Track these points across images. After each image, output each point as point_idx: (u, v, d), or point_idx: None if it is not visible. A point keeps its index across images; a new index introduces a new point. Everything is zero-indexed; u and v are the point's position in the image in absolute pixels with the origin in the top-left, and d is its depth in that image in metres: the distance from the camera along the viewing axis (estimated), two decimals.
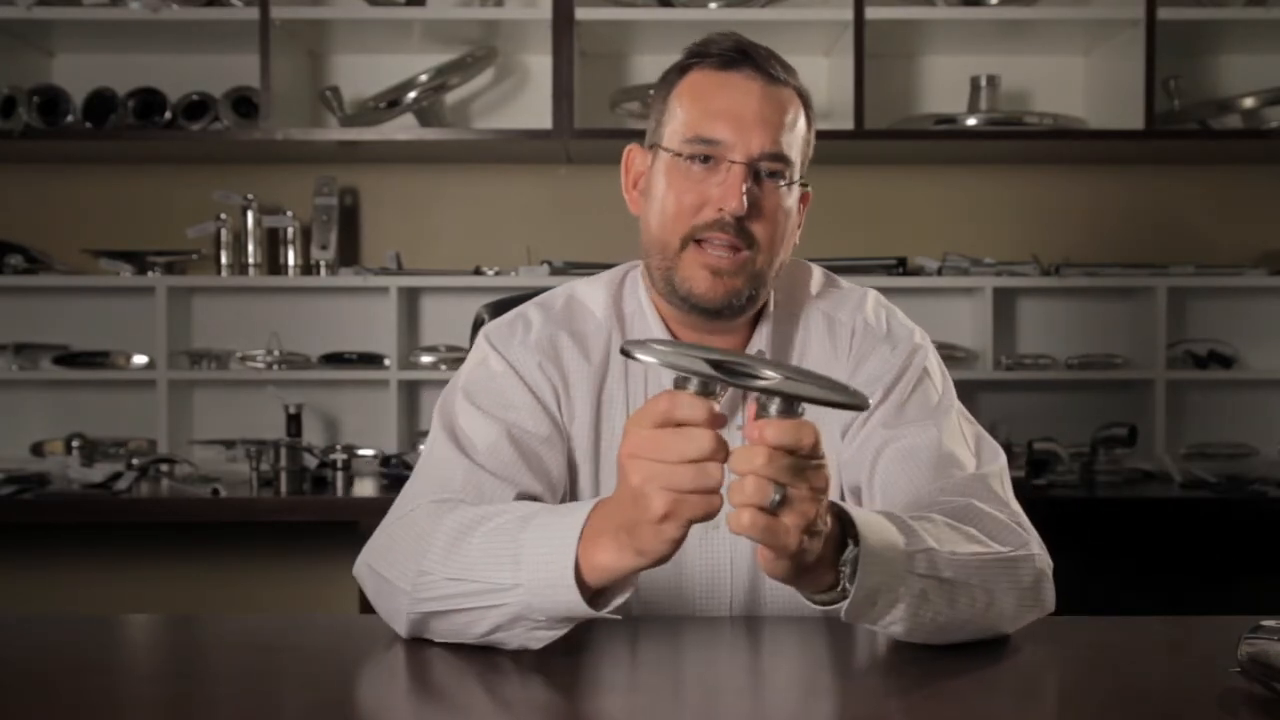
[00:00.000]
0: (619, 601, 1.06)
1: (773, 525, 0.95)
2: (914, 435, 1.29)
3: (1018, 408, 3.04)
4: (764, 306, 1.36)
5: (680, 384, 0.96)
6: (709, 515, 0.95)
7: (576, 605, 1.04)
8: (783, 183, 1.29)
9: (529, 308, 1.40)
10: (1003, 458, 1.31)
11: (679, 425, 0.94)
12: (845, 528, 1.05)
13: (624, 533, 0.99)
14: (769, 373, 0.94)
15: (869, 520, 1.06)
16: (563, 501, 1.33)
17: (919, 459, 1.27)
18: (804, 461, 0.94)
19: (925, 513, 1.15)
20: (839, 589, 1.05)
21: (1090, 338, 3.11)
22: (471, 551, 1.10)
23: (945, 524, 1.14)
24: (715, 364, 0.94)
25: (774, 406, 0.95)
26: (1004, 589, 1.13)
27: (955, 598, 1.10)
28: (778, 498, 0.94)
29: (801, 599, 1.32)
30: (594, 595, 1.05)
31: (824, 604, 1.06)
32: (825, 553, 1.02)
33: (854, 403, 0.96)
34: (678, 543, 0.98)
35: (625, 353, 0.96)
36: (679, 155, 1.28)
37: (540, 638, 1.10)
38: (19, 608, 2.97)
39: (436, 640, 1.15)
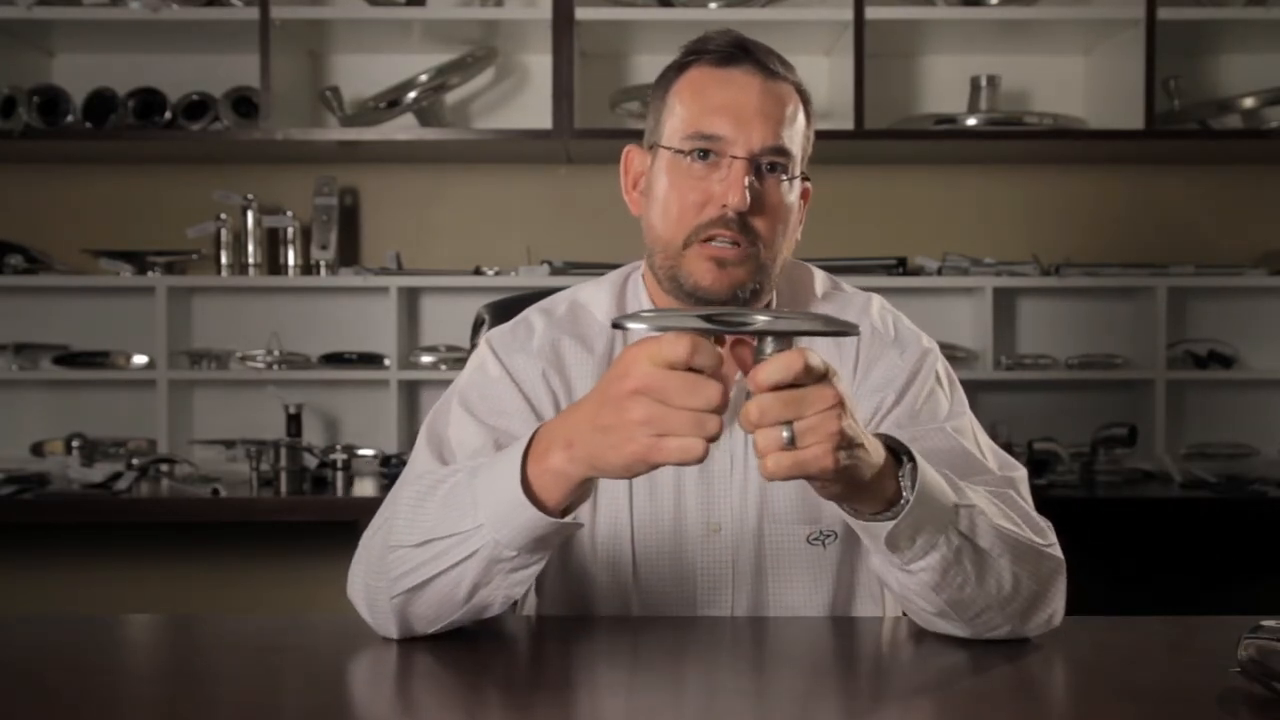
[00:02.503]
0: (578, 508, 1.09)
1: (798, 459, 0.97)
2: (932, 438, 1.28)
3: (1018, 408, 3.03)
4: (767, 306, 1.36)
5: None
6: (683, 463, 0.97)
7: (536, 520, 1.05)
8: (784, 177, 1.28)
9: (532, 312, 1.40)
10: (1022, 469, 1.31)
11: (690, 370, 0.96)
12: (898, 457, 1.07)
13: (581, 448, 1.02)
14: (759, 316, 0.97)
15: (921, 459, 1.07)
16: None
17: (939, 461, 1.26)
18: (802, 389, 0.96)
19: (969, 483, 1.16)
20: (901, 502, 1.06)
21: (1090, 338, 3.11)
22: (432, 513, 1.12)
23: (987, 496, 1.15)
24: (706, 317, 0.97)
25: (769, 349, 0.97)
26: (1027, 577, 1.14)
27: (985, 572, 1.11)
28: (787, 434, 0.96)
29: (804, 604, 1.33)
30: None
31: (880, 521, 1.07)
32: (884, 468, 1.04)
33: (845, 330, 0.99)
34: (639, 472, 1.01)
35: (616, 325, 1.00)
36: (679, 152, 1.28)
37: (518, 580, 1.11)
38: (19, 608, 2.97)
39: (430, 630, 1.15)
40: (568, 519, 1.07)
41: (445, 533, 1.10)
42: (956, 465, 1.25)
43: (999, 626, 1.15)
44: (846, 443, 0.98)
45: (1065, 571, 1.19)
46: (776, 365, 0.96)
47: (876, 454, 1.03)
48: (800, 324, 0.98)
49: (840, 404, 0.97)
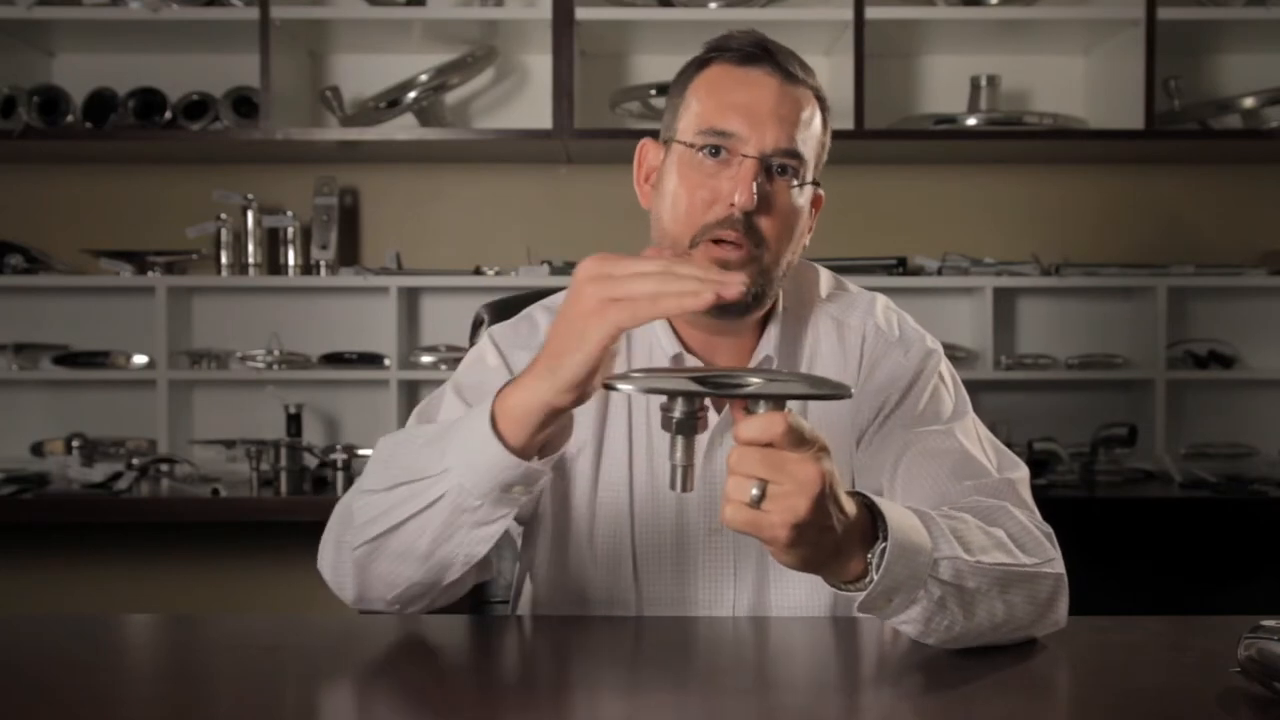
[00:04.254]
0: (551, 455, 1.11)
1: (755, 520, 0.96)
2: (934, 439, 1.28)
3: (1018, 408, 3.03)
4: (772, 308, 1.35)
5: (668, 406, 0.98)
6: (647, 315, 0.99)
7: (501, 459, 1.07)
8: (795, 181, 1.28)
9: (535, 309, 1.40)
10: (1025, 469, 1.30)
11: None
12: (876, 520, 1.04)
13: (541, 360, 1.05)
14: (752, 379, 0.96)
15: (898, 516, 1.05)
16: (536, 502, 1.35)
17: (940, 462, 1.26)
18: (784, 455, 0.95)
19: (957, 513, 1.15)
20: (866, 579, 1.04)
21: (1090, 338, 3.11)
22: (404, 460, 1.15)
23: (977, 527, 1.13)
24: (698, 379, 0.97)
25: (761, 406, 0.96)
26: (1022, 602, 1.12)
27: (974, 609, 1.09)
28: (757, 493, 0.95)
29: (805, 604, 1.33)
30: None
31: (848, 590, 1.06)
32: (853, 545, 1.02)
33: (838, 394, 0.97)
34: (592, 355, 1.02)
35: (607, 386, 0.99)
36: (692, 146, 1.27)
37: (481, 538, 1.13)
38: (19, 608, 2.97)
39: (387, 597, 1.18)
40: (533, 463, 1.09)
41: (414, 476, 1.12)
42: (956, 467, 1.25)
43: (998, 643, 1.14)
44: (810, 524, 0.96)
45: (1066, 583, 1.18)
46: (757, 425, 0.95)
47: (847, 536, 1.00)
48: (793, 387, 0.97)
49: (820, 488, 0.95)
